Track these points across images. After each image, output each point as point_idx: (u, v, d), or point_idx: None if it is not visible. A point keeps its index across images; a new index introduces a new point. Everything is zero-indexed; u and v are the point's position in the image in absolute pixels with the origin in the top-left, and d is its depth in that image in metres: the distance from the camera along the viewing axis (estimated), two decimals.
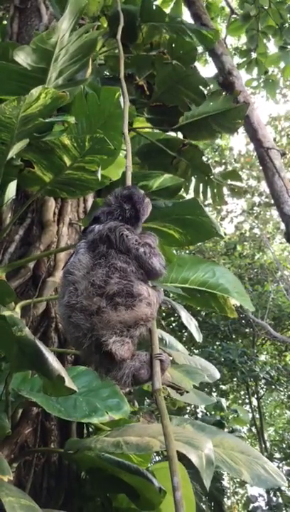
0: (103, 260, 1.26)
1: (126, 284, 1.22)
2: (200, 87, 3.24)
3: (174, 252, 3.19)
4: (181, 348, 2.95)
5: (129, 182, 1.59)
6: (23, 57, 2.00)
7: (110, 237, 1.31)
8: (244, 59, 7.40)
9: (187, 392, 1.76)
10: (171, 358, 2.36)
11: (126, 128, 1.83)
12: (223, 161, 13.95)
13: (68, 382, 1.23)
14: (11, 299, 1.77)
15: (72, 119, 1.97)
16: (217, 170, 14.03)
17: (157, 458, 6.72)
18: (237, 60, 8.38)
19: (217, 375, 2.70)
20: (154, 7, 3.59)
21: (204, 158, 4.05)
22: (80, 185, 2.12)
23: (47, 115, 1.88)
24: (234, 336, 12.84)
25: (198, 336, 2.51)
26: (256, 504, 12.26)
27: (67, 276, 1.26)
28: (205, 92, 3.35)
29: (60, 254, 2.40)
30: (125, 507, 2.04)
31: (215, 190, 3.94)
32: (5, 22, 4.52)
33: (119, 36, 2.60)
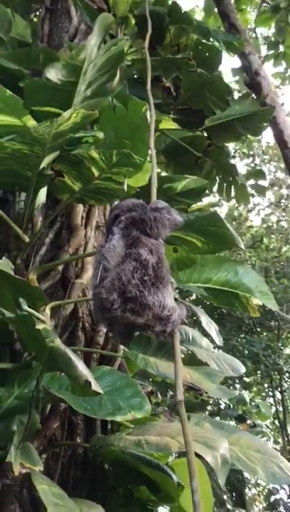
0: (133, 249, 1.38)
1: (141, 290, 1.33)
2: (224, 94, 3.29)
3: None
4: (205, 344, 3.03)
5: (154, 198, 1.70)
6: (54, 73, 2.11)
7: (144, 220, 1.45)
8: (272, 51, 7.34)
9: (206, 393, 1.86)
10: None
11: (152, 142, 1.93)
12: (251, 152, 13.83)
13: (94, 386, 1.35)
14: (42, 303, 1.90)
15: (100, 135, 2.08)
16: (245, 162, 13.93)
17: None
18: (265, 50, 8.30)
19: (243, 370, 2.77)
20: (182, 11, 3.64)
21: (231, 150, 4.09)
22: (107, 194, 2.23)
23: (78, 131, 1.99)
24: (258, 329, 12.83)
25: (218, 340, 2.60)
26: (277, 496, 12.33)
27: (102, 261, 1.38)
28: (229, 99, 3.40)
29: (88, 257, 2.52)
30: (146, 498, 2.17)
31: (239, 191, 3.99)
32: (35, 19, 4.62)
33: (146, 44, 2.67)
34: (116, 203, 1.78)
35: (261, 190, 3.99)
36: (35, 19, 4.63)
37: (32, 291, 1.67)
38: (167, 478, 1.91)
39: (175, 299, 1.53)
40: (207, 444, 1.53)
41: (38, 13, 4.62)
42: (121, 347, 2.39)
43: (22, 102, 2.32)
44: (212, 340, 2.69)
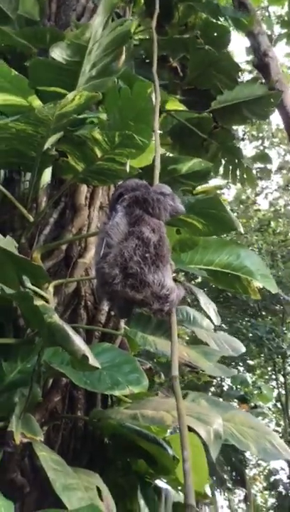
0: (136, 227, 1.43)
1: (142, 267, 1.38)
2: (232, 72, 3.26)
3: None
4: (206, 324, 3.09)
5: (156, 181, 1.73)
6: (59, 53, 2.12)
7: (147, 200, 1.50)
8: (286, 30, 7.21)
9: (202, 371, 1.92)
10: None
11: (157, 124, 1.95)
12: (260, 135, 13.69)
13: (92, 361, 1.40)
14: (45, 281, 1.95)
15: (103, 116, 2.10)
16: (254, 144, 13.79)
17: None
18: (278, 29, 8.14)
19: (242, 349, 2.83)
20: None
21: (240, 133, 4.08)
22: (110, 175, 2.26)
23: (81, 112, 2.01)
24: (263, 313, 12.89)
25: (217, 320, 2.65)
26: (277, 477, 12.56)
27: (105, 237, 1.44)
28: (238, 77, 3.38)
29: (91, 237, 2.57)
30: (144, 471, 2.25)
31: (245, 174, 3.99)
32: None
33: (153, 26, 2.66)
34: (120, 182, 1.81)
35: (265, 173, 3.98)
36: None
37: (34, 270, 1.72)
38: (163, 452, 1.99)
39: (175, 280, 1.57)
40: (201, 418, 1.59)
41: None
42: (122, 325, 2.44)
43: (27, 82, 2.35)
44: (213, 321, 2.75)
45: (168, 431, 2.51)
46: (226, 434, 1.84)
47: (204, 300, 2.51)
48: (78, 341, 1.38)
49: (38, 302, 1.34)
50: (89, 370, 1.60)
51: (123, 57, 2.55)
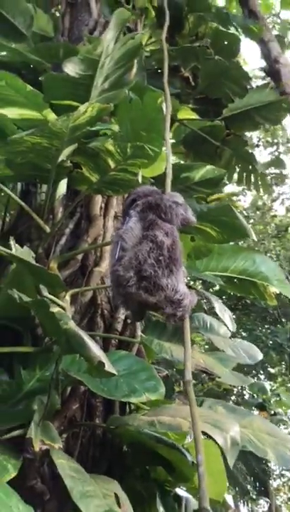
0: (150, 231, 1.46)
1: (156, 270, 1.40)
2: (242, 80, 3.29)
3: None
4: (223, 331, 3.09)
5: (168, 189, 1.76)
6: (72, 68, 2.18)
7: (160, 205, 1.54)
8: None
9: (218, 377, 1.93)
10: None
11: (168, 134, 1.98)
12: (275, 141, 13.61)
13: (108, 367, 1.43)
14: (61, 290, 1.99)
15: (116, 127, 2.14)
16: (269, 150, 13.71)
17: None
18: None
19: (259, 356, 2.82)
20: None
21: (255, 139, 4.09)
22: (124, 185, 2.30)
23: (94, 123, 2.06)
24: (283, 320, 12.74)
25: (232, 326, 2.65)
26: None
27: (120, 241, 1.47)
28: (248, 86, 3.40)
29: (106, 246, 2.60)
30: (163, 479, 2.25)
31: (259, 179, 3.99)
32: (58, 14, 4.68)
33: (164, 37, 2.71)
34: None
35: (280, 179, 3.98)
36: (57, 13, 4.70)
37: (51, 279, 1.76)
38: (182, 458, 1.99)
39: (188, 286, 1.59)
40: (217, 426, 1.59)
41: (59, 7, 4.68)
42: (139, 333, 2.46)
43: (42, 96, 2.41)
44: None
45: (187, 438, 2.51)
46: (243, 441, 1.83)
47: (219, 307, 2.52)
48: (94, 348, 1.41)
49: (54, 309, 1.37)
50: (106, 377, 1.62)
51: (134, 69, 2.60)
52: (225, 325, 2.61)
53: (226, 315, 2.59)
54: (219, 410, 2.03)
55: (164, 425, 1.62)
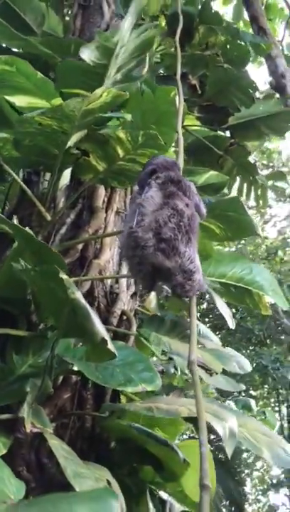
0: (171, 200, 1.45)
1: (175, 234, 1.38)
2: (250, 90, 3.34)
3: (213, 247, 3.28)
4: (216, 340, 3.06)
5: None
6: (88, 54, 2.18)
7: (181, 182, 1.53)
8: None
9: (216, 373, 1.89)
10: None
11: (180, 127, 1.98)
12: (271, 164, 13.83)
13: (110, 346, 1.38)
14: (64, 271, 1.95)
15: (128, 116, 2.14)
16: (264, 173, 13.91)
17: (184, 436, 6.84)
18: None
19: (249, 368, 2.78)
20: (213, 11, 3.72)
21: (251, 160, 4.14)
22: (130, 176, 2.29)
23: (107, 111, 2.05)
24: (268, 342, 12.74)
25: (232, 323, 2.62)
26: None
27: (140, 207, 1.45)
28: (254, 96, 3.45)
29: (107, 239, 2.57)
30: (150, 480, 2.19)
31: (259, 192, 4.02)
32: (67, 18, 4.73)
33: (177, 37, 2.74)
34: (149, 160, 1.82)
35: (280, 192, 4.01)
36: (67, 18, 4.75)
37: (52, 257, 1.71)
38: (172, 455, 1.93)
39: None
40: (217, 415, 1.55)
41: (70, 11, 4.72)
42: (134, 329, 2.42)
43: (53, 85, 2.40)
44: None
45: (176, 440, 2.45)
46: (239, 438, 1.79)
47: (220, 303, 2.49)
48: (98, 324, 1.37)
49: (63, 275, 1.33)
50: (106, 359, 1.58)
51: (147, 64, 2.61)
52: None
53: (226, 311, 2.56)
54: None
55: (162, 411, 1.58)
